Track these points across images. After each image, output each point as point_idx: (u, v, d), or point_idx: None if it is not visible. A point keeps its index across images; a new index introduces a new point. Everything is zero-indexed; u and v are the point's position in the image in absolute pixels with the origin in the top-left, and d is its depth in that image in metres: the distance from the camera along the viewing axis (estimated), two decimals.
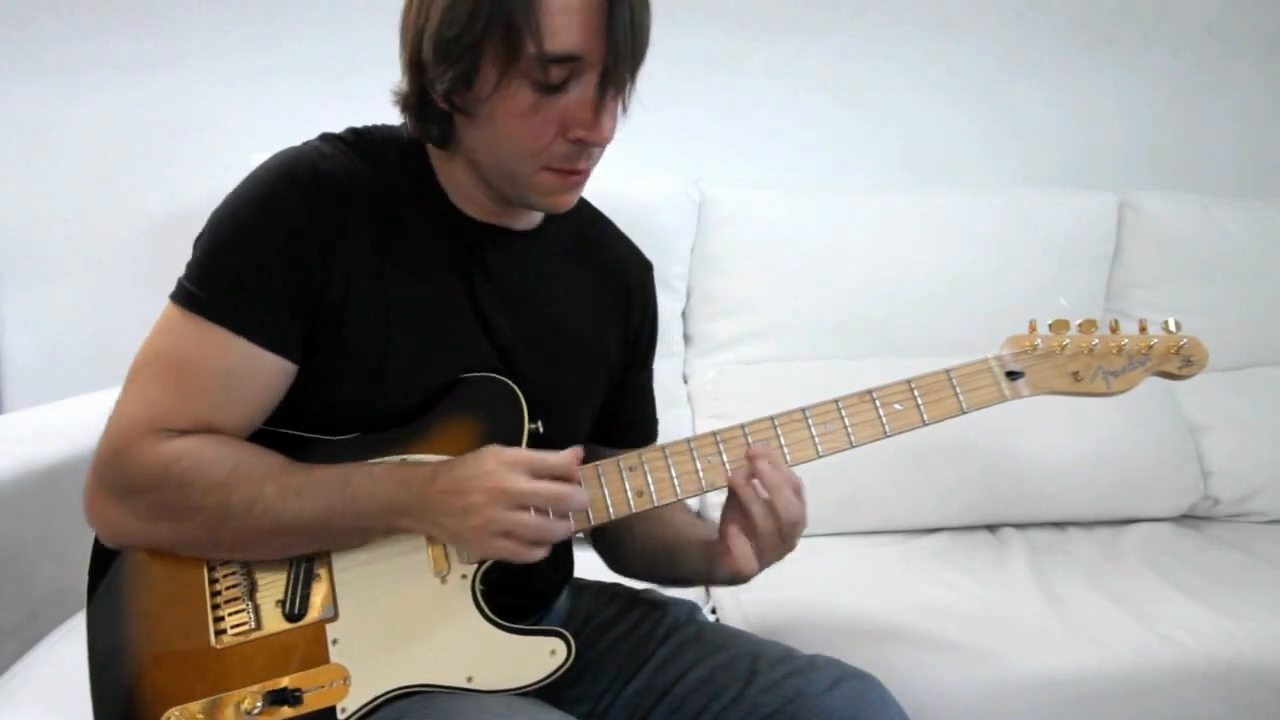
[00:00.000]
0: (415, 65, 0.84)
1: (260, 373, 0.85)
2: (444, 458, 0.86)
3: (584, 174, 0.88)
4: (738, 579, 0.91)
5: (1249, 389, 1.88)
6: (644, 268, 1.10)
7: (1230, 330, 1.94)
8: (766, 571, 1.46)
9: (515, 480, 0.79)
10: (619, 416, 1.09)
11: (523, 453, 0.83)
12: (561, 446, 0.95)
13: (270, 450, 0.86)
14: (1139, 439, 1.72)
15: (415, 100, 0.87)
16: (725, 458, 0.89)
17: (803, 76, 2.01)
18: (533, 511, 0.80)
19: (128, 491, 0.83)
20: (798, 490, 0.88)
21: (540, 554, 0.82)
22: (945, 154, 2.10)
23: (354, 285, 0.87)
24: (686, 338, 1.86)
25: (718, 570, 0.93)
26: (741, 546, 0.89)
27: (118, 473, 0.83)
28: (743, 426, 0.89)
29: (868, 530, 1.66)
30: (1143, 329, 0.96)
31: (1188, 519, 1.78)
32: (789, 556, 1.51)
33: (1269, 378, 1.90)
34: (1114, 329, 0.95)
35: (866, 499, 1.65)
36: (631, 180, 1.72)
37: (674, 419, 1.68)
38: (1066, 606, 1.38)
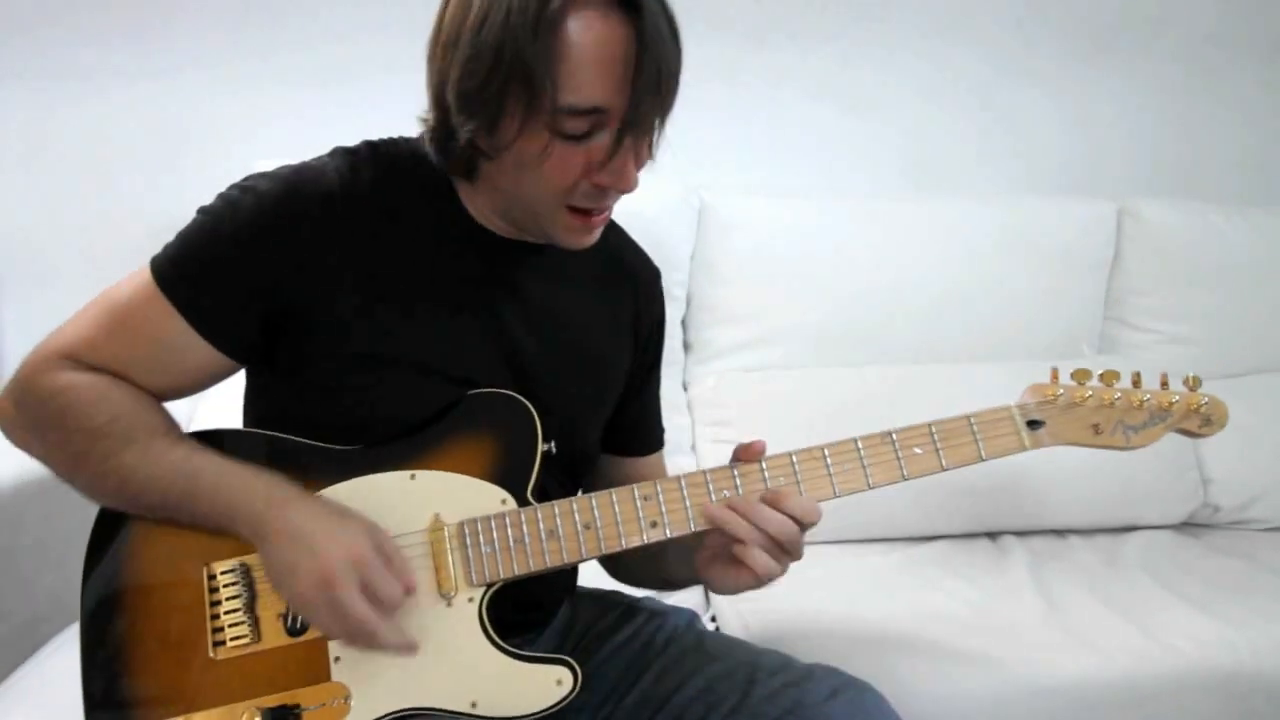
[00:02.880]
0: (440, 108, 0.84)
1: (190, 355, 0.87)
2: (301, 489, 0.84)
3: (606, 214, 0.88)
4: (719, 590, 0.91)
5: (1248, 396, 1.86)
6: (653, 273, 1.10)
7: (1229, 337, 1.94)
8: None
9: (346, 583, 0.77)
10: (624, 423, 1.09)
11: (371, 559, 0.79)
12: (570, 461, 0.94)
13: (161, 411, 0.89)
14: None
15: (441, 135, 0.87)
16: (741, 491, 0.88)
17: (803, 84, 2.01)
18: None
19: (21, 399, 0.88)
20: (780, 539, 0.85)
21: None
22: (945, 161, 2.10)
23: (343, 295, 0.87)
24: (686, 345, 1.86)
25: (710, 579, 0.92)
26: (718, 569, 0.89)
27: (24, 380, 0.88)
28: (761, 464, 0.89)
29: (868, 538, 1.66)
30: (1164, 384, 0.96)
31: (1188, 526, 1.78)
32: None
33: (1268, 385, 1.90)
34: (1135, 383, 0.95)
35: (867, 507, 1.62)
36: None
37: (674, 426, 1.68)
38: (1067, 614, 1.38)
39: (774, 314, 1.81)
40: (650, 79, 0.78)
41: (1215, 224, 1.94)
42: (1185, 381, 0.96)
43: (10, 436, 0.90)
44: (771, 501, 0.85)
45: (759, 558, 0.84)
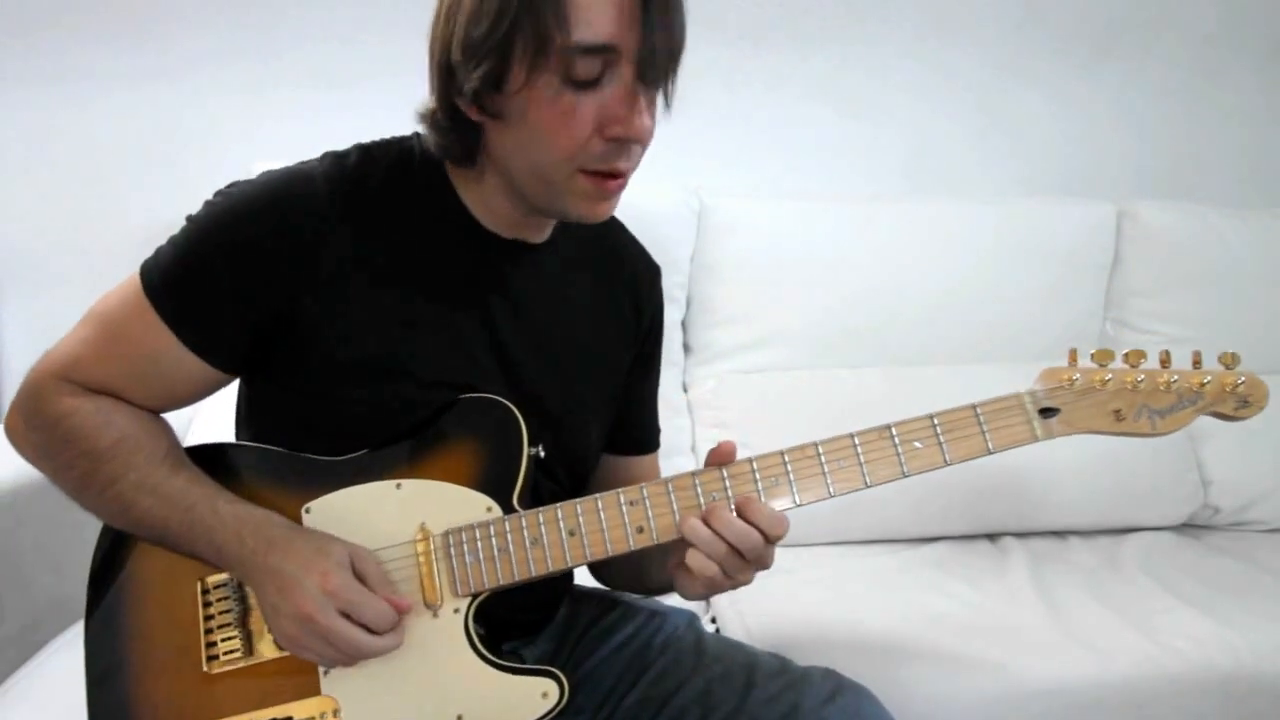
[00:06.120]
0: (444, 72, 0.82)
1: (181, 369, 0.87)
2: (292, 526, 0.84)
3: (623, 179, 0.85)
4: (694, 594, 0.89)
5: None
6: (654, 271, 1.08)
7: (1228, 339, 1.90)
8: (767, 581, 1.47)
9: (324, 613, 0.78)
10: (619, 421, 1.08)
11: (346, 585, 0.79)
12: (567, 462, 0.93)
13: (165, 435, 0.89)
14: (1138, 448, 1.71)
15: (444, 114, 0.84)
16: (730, 494, 0.84)
17: (802, 86, 2.01)
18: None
19: (30, 422, 0.89)
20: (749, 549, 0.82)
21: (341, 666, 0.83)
22: (944, 163, 2.10)
23: (340, 300, 0.86)
24: (686, 347, 1.86)
25: (677, 584, 0.89)
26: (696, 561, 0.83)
27: (30, 403, 0.88)
28: (751, 461, 0.84)
29: (868, 540, 1.66)
30: (1196, 363, 0.86)
31: (1188, 528, 1.78)
32: (786, 565, 1.53)
33: (1268, 387, 1.90)
34: (1164, 362, 0.85)
35: (866, 508, 1.64)
36: (630, 189, 1.70)
37: (674, 428, 1.68)
38: (1067, 616, 1.37)
39: (774, 315, 1.81)
40: (658, 13, 0.76)
41: (1215, 225, 1.94)
42: (1220, 359, 0.85)
43: (21, 453, 0.91)
44: (738, 508, 0.82)
45: (701, 562, 0.82)
